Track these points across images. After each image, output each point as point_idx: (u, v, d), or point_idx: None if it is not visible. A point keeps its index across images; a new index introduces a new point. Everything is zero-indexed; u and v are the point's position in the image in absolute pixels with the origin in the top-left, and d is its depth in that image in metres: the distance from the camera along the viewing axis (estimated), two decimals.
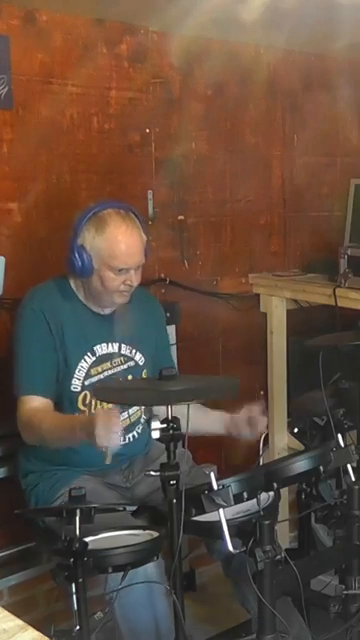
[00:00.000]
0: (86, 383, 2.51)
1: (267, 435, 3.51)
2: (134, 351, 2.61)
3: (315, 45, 3.54)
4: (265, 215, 3.67)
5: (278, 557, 1.96)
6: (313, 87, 3.73)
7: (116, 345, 2.58)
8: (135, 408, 2.61)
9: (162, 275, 3.27)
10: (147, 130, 3.19)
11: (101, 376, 2.53)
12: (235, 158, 3.50)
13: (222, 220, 3.51)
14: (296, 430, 3.23)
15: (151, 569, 2.18)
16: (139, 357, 2.62)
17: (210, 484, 1.97)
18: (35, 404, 2.44)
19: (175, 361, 2.92)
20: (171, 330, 3.08)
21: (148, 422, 2.08)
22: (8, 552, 2.87)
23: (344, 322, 3.13)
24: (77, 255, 2.42)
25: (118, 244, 2.41)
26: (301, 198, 3.78)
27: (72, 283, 2.55)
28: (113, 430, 2.15)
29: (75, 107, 2.98)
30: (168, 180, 3.27)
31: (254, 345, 3.61)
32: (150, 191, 3.21)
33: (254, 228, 3.63)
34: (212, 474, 1.97)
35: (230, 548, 1.96)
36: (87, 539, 1.99)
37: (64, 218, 2.93)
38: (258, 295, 3.59)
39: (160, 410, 2.36)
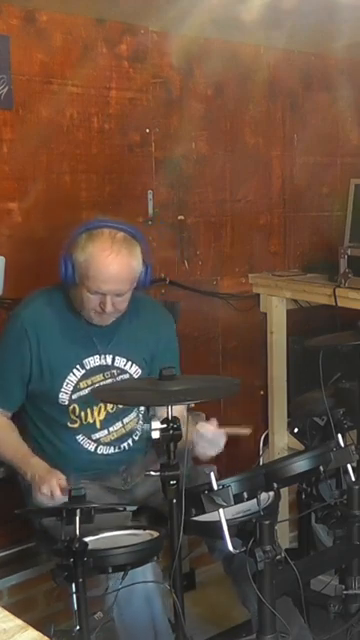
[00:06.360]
0: (74, 397, 2.49)
1: (267, 435, 3.54)
2: (129, 363, 2.56)
3: (315, 45, 3.54)
4: (265, 215, 3.67)
5: (278, 557, 1.96)
6: (313, 87, 3.73)
7: (109, 357, 2.53)
8: (131, 417, 2.59)
9: (162, 275, 3.27)
10: (147, 130, 3.19)
11: (91, 389, 2.48)
12: (235, 158, 3.49)
13: (222, 220, 3.50)
14: (296, 430, 3.22)
15: (148, 570, 2.18)
16: (134, 369, 2.57)
17: (210, 484, 1.97)
18: None
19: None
20: None
21: (149, 422, 2.06)
22: (8, 552, 2.87)
23: (344, 322, 3.13)
24: (64, 262, 2.39)
25: (95, 266, 2.35)
26: (301, 198, 3.77)
27: (70, 292, 2.50)
28: (52, 495, 2.27)
29: (75, 107, 2.98)
30: (168, 180, 3.27)
31: (254, 345, 3.60)
32: (150, 191, 3.21)
33: (254, 228, 3.63)
34: (212, 474, 1.97)
35: (230, 548, 1.96)
36: (87, 539, 1.99)
37: (64, 218, 2.94)
38: (258, 295, 3.59)
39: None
